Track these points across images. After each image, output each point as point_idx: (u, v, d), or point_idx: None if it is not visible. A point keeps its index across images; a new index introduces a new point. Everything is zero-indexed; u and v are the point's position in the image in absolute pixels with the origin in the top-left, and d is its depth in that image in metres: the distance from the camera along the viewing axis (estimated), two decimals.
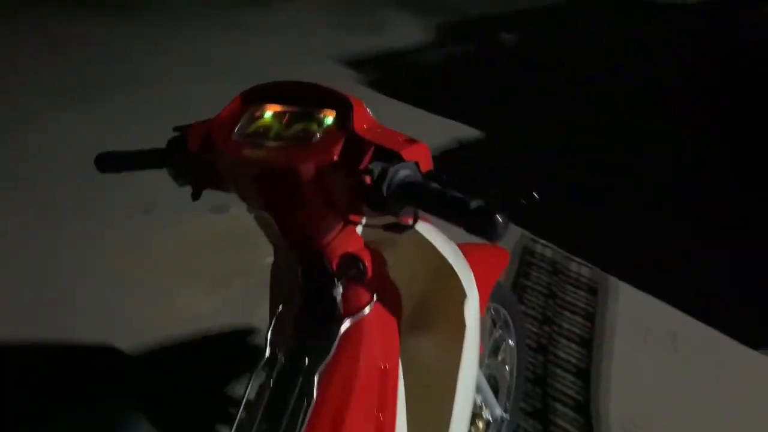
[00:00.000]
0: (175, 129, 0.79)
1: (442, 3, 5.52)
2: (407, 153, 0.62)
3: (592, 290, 2.01)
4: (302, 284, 0.76)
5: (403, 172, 0.60)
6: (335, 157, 0.63)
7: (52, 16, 4.86)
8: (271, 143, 0.68)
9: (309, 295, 0.76)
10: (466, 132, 3.06)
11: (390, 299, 0.85)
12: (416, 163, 0.62)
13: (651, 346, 1.81)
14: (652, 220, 2.41)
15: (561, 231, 2.27)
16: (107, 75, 3.72)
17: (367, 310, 0.77)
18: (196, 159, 0.74)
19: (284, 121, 0.70)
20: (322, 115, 0.68)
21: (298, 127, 0.69)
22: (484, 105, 3.41)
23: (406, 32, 4.72)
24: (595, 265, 2.12)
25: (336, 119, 0.67)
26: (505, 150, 2.91)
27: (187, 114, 3.33)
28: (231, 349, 1.67)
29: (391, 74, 3.92)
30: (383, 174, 0.59)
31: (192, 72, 3.84)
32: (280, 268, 0.90)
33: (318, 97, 0.71)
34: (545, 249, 2.19)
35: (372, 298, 0.78)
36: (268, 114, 0.72)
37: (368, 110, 0.73)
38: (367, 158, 0.62)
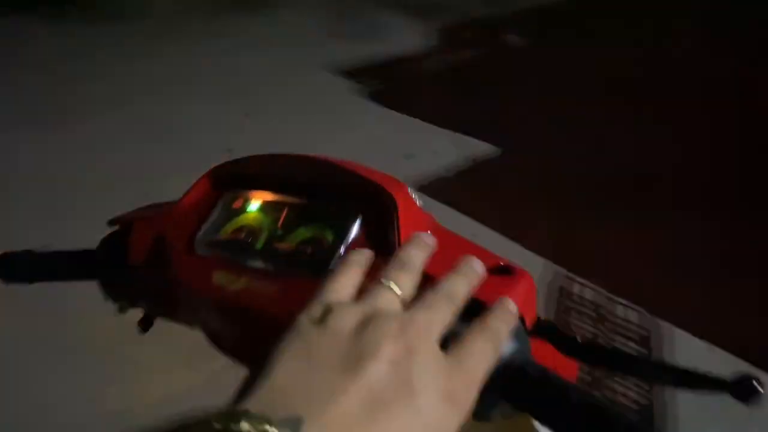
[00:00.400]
0: (111, 222, 0.54)
1: (440, 5, 5.23)
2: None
3: (644, 340, 1.71)
4: None
5: (504, 349, 0.34)
6: None
7: (23, 29, 4.55)
8: (258, 263, 0.44)
9: None
10: (481, 148, 2.77)
11: None
12: (522, 323, 0.37)
13: (720, 411, 1.52)
14: (711, 251, 2.09)
15: (600, 266, 1.97)
16: (82, 94, 3.42)
17: None
18: (142, 276, 0.50)
19: (280, 219, 0.45)
20: (342, 214, 0.43)
21: (302, 234, 0.44)
22: (497, 116, 3.12)
23: (405, 38, 4.43)
24: (643, 307, 1.82)
25: (367, 223, 0.43)
26: (528, 170, 2.61)
27: (172, 137, 3.01)
28: None
29: (391, 84, 3.62)
30: None
31: (177, 88, 3.54)
32: None
33: (335, 182, 0.45)
34: (584, 289, 1.89)
35: None
36: (254, 207, 0.47)
37: (418, 201, 0.45)
38: None
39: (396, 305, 0.32)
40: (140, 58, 4.00)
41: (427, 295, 0.33)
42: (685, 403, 1.52)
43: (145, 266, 0.49)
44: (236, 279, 0.43)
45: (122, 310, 0.56)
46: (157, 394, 1.46)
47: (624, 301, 1.84)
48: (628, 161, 2.66)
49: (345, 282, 0.34)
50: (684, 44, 4.17)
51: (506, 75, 3.74)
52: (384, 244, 0.40)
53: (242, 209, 0.47)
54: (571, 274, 1.95)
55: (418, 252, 0.35)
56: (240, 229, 0.46)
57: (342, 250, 0.41)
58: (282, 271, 0.42)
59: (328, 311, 0.31)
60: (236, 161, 0.50)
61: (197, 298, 0.46)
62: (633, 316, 1.80)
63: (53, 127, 3.02)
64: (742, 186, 2.49)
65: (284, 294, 0.41)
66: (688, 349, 1.68)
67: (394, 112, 3.18)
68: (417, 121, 3.07)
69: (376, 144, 2.89)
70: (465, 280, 0.34)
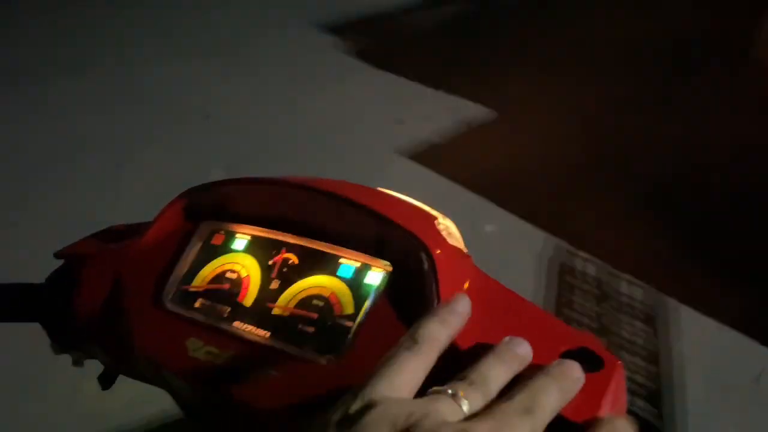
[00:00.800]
0: (59, 255, 0.44)
1: None
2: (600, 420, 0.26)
3: (649, 319, 1.64)
4: None
5: None
6: None
7: None
8: (247, 329, 0.33)
9: None
10: (475, 111, 2.62)
11: None
12: None
13: (730, 395, 1.46)
14: (717, 221, 1.99)
15: (601, 239, 1.88)
16: (40, 54, 3.17)
17: None
18: (92, 330, 0.40)
19: (273, 268, 0.34)
20: (358, 266, 0.32)
21: (302, 288, 0.33)
22: (491, 77, 2.95)
23: None
24: (647, 282, 1.74)
25: (393, 280, 0.31)
26: (525, 135, 2.47)
27: (143, 101, 2.81)
28: None
29: (379, 41, 3.42)
30: None
31: (147, 47, 3.30)
32: None
33: (348, 220, 0.33)
34: (586, 264, 1.80)
35: None
36: (240, 245, 0.36)
37: (452, 236, 0.33)
38: None
39: (457, 416, 0.24)
40: (108, 18, 3.73)
41: (497, 407, 0.24)
42: (691, 389, 1.46)
43: (98, 317, 0.38)
44: (218, 352, 0.31)
45: (76, 363, 0.46)
46: (132, 394, 1.36)
47: (628, 277, 1.76)
48: (630, 130, 2.53)
49: (415, 368, 0.25)
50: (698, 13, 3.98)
51: (502, 33, 3.54)
52: (416, 309, 0.29)
53: (225, 248, 0.36)
54: (572, 249, 1.85)
55: (503, 372, 0.26)
56: (221, 276, 0.34)
57: (362, 316, 0.30)
58: (279, 343, 0.32)
59: (366, 409, 0.23)
60: (218, 184, 0.37)
61: (166, 372, 0.34)
62: (638, 293, 1.72)
63: (5, 90, 2.80)
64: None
65: (282, 379, 0.30)
66: (695, 329, 1.61)
67: (381, 72, 3.00)
68: (406, 81, 2.90)
69: (362, 107, 2.73)
70: (558, 393, 0.25)
